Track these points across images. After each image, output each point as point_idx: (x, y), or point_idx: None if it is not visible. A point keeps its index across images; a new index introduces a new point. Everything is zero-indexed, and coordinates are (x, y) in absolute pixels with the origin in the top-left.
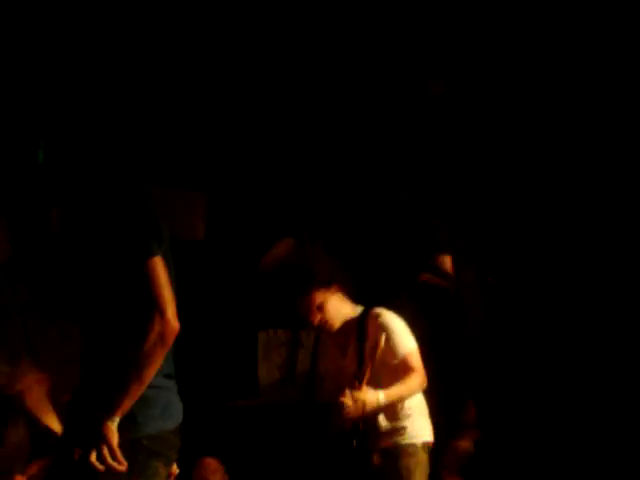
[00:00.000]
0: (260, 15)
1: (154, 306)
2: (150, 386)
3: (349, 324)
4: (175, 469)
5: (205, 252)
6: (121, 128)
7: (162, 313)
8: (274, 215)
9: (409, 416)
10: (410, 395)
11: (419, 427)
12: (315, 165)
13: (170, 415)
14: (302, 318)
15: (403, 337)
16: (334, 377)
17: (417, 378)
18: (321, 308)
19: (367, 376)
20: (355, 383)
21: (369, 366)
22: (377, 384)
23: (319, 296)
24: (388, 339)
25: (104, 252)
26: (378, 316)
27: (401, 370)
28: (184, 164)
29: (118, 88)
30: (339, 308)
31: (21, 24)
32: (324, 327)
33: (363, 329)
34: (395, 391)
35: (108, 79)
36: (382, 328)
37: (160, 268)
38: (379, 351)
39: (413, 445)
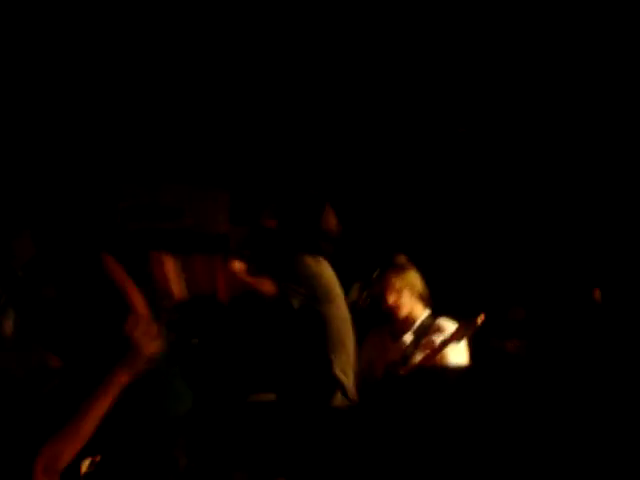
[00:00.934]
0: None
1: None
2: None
3: (411, 319)
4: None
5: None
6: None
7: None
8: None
9: None
10: None
11: None
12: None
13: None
14: (377, 295)
15: (457, 350)
16: (377, 357)
17: None
18: (400, 292)
19: (410, 369)
20: (398, 370)
21: (417, 363)
22: None
23: (401, 281)
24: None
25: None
26: (444, 323)
27: None
28: (207, 163)
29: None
30: (413, 301)
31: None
32: (392, 310)
33: (423, 329)
34: None
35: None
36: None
37: (111, 263)
38: (438, 355)
39: None
